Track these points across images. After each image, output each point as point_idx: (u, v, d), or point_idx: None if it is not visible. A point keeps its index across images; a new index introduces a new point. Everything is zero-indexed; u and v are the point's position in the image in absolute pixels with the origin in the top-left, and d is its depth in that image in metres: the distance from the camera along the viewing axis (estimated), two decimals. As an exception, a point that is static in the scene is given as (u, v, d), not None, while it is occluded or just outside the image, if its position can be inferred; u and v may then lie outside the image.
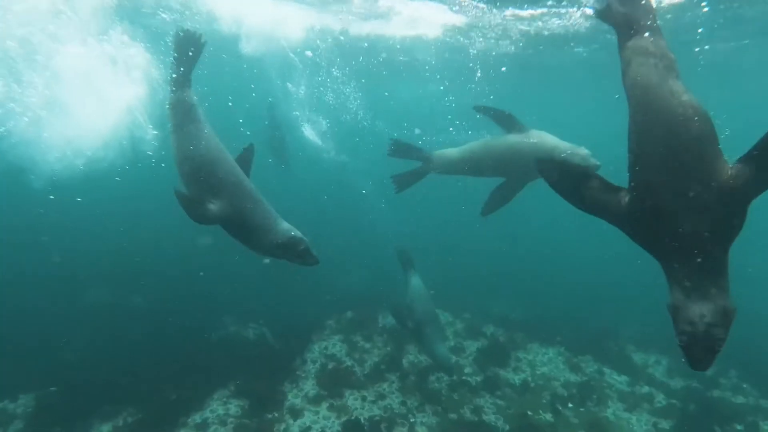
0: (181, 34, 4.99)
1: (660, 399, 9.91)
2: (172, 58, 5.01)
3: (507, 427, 8.61)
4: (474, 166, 6.46)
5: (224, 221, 4.32)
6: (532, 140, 5.90)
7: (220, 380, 9.18)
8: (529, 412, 9.19)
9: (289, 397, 8.90)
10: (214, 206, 4.19)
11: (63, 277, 12.45)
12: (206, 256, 13.77)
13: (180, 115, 4.74)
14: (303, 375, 9.57)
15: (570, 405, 9.57)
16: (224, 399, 8.77)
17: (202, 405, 8.57)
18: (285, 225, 4.40)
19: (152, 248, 14.74)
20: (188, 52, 4.95)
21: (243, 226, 4.34)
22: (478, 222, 7.16)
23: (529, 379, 10.27)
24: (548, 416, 9.14)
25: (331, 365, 9.92)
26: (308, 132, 16.22)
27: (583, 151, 5.50)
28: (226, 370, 9.37)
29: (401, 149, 6.85)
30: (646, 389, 10.33)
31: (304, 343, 10.87)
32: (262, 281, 13.81)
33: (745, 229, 2.74)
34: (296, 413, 8.41)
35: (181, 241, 14.52)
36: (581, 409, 9.45)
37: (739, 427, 8.92)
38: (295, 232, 4.31)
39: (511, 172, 6.21)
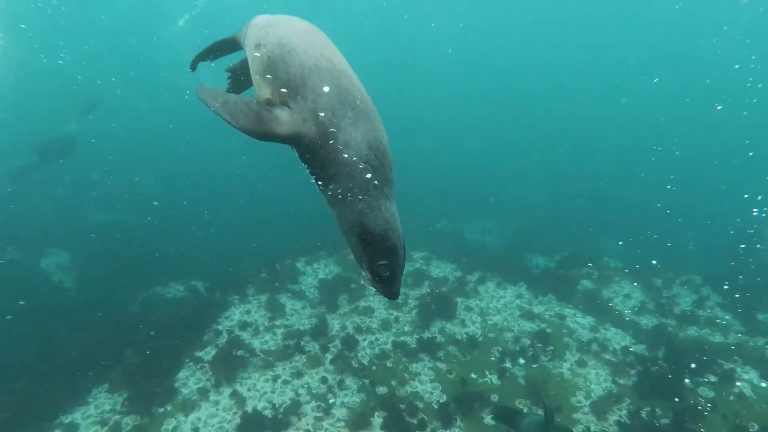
0: None
1: (626, 344, 8.64)
2: None
3: (443, 398, 7.40)
4: None
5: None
6: None
7: (114, 363, 7.86)
8: (473, 375, 7.97)
9: (190, 383, 7.60)
10: None
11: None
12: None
13: None
14: (211, 351, 8.21)
15: (521, 361, 8.33)
16: (112, 390, 7.47)
17: (86, 398, 7.31)
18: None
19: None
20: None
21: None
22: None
23: (478, 332, 8.94)
24: (494, 378, 7.92)
25: (245, 337, 8.54)
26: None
27: None
28: (129, 346, 8.02)
29: None
30: (611, 332, 9.05)
31: (226, 306, 9.48)
32: (206, 235, 13.05)
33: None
34: (191, 405, 7.13)
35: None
36: (534, 366, 8.21)
37: (713, 379, 7.70)
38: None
39: None
